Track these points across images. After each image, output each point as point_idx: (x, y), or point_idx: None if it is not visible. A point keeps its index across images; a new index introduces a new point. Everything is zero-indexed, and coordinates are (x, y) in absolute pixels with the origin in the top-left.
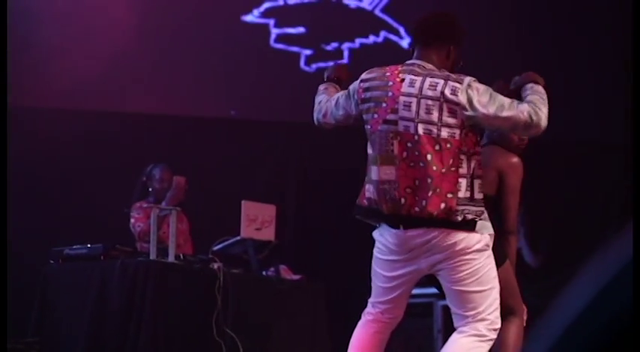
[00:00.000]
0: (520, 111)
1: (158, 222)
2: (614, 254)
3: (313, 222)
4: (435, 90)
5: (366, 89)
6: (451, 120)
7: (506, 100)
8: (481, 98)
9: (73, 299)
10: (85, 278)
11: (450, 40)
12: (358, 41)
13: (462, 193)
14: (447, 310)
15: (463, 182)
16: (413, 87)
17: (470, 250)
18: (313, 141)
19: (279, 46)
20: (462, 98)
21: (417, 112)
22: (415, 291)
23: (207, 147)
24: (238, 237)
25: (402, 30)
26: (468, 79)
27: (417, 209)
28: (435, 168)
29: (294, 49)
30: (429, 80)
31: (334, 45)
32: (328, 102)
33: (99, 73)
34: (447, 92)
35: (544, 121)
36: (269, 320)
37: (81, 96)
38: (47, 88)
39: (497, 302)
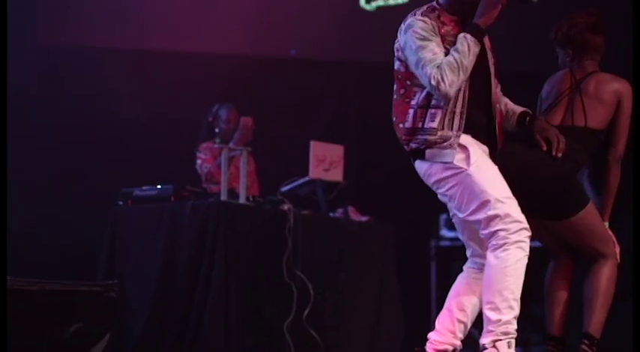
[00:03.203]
0: (429, 74)
1: None
2: None
3: (374, 163)
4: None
5: None
6: (397, 54)
7: (428, 56)
8: (411, 44)
9: (143, 240)
10: (155, 219)
11: None
12: None
13: (410, 124)
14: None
15: (411, 112)
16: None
17: (432, 180)
18: (373, 81)
19: None
20: (401, 38)
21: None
22: None
23: (267, 87)
24: (307, 178)
25: None
26: (410, 20)
27: None
28: (395, 96)
29: None
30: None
31: None
32: None
33: (158, 12)
34: (399, 31)
35: (448, 91)
36: (338, 262)
37: (141, 37)
38: (109, 28)
39: (500, 209)
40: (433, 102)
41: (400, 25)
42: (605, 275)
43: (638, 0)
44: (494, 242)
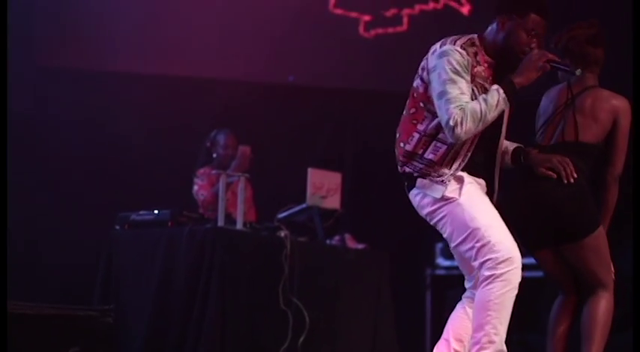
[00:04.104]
0: (450, 113)
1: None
2: None
3: (371, 190)
4: (433, 47)
5: None
6: (420, 72)
7: (455, 93)
8: (442, 72)
9: (140, 265)
10: (152, 244)
11: (502, 8)
12: (417, 7)
13: (410, 147)
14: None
15: (416, 137)
16: None
17: (425, 211)
18: (371, 108)
19: (339, 11)
20: (431, 60)
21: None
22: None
23: (265, 113)
24: (304, 205)
25: None
26: (448, 47)
27: None
28: (404, 112)
29: (353, 14)
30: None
31: (393, 11)
32: None
33: (157, 38)
34: (432, 50)
35: (462, 136)
36: (334, 289)
37: (140, 62)
38: (107, 52)
39: (490, 237)
40: (441, 135)
41: (430, 47)
42: (603, 307)
43: (639, 3)
44: (482, 273)
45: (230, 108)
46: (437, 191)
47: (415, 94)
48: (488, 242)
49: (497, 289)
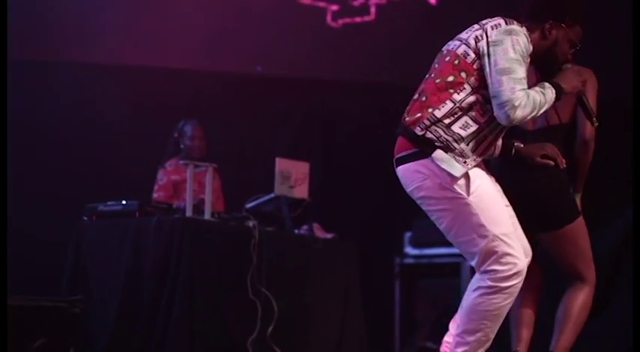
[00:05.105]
0: (516, 93)
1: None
2: None
3: (339, 180)
4: (490, 21)
5: None
6: (472, 43)
7: (521, 75)
8: (509, 49)
9: (107, 256)
10: (120, 235)
11: (550, 15)
12: None
13: (441, 114)
14: (474, 271)
15: (449, 105)
16: None
17: (422, 194)
18: (339, 98)
19: (306, 1)
20: (492, 34)
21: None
22: (442, 251)
23: (233, 104)
24: (272, 195)
25: None
26: (516, 27)
27: (404, 115)
28: (433, 75)
29: (321, 4)
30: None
31: (361, 0)
32: None
33: (125, 27)
34: (491, 24)
35: (514, 119)
36: (303, 279)
37: (108, 52)
38: (76, 44)
39: (497, 248)
40: (474, 113)
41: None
42: (580, 300)
43: (639, 3)
44: (486, 279)
45: (198, 99)
46: (456, 169)
47: (457, 62)
48: (495, 253)
49: (499, 301)
